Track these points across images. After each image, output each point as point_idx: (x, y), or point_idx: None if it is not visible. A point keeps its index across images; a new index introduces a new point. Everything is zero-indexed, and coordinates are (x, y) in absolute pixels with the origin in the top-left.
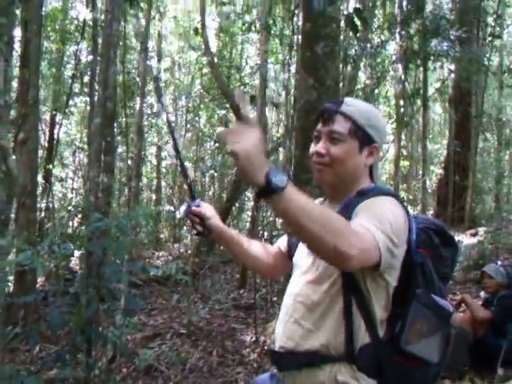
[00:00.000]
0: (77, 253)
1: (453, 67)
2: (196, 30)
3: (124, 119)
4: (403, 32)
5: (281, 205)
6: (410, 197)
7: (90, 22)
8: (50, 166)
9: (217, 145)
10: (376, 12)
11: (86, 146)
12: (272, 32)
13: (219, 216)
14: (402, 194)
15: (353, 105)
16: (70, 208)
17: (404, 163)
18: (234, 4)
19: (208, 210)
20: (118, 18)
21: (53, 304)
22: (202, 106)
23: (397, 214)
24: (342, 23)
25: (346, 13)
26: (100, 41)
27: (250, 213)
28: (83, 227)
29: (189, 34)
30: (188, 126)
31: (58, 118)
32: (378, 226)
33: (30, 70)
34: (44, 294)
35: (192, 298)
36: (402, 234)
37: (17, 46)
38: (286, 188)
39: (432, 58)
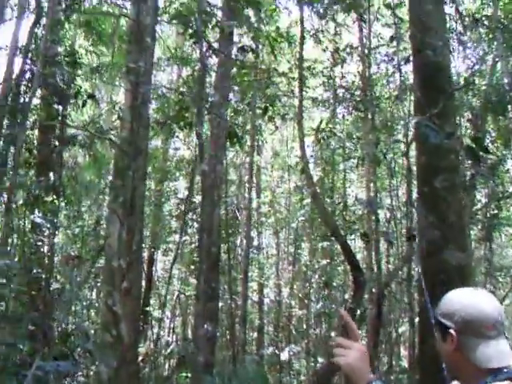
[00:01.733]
0: None
1: None
2: (296, 164)
3: (226, 255)
4: None
5: None
6: None
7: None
8: (150, 309)
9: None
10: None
11: (185, 288)
12: (381, 164)
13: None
14: None
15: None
16: (167, 352)
17: None
18: (334, 134)
19: None
20: (221, 161)
21: None
22: (304, 238)
23: None
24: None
25: (463, 142)
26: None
27: None
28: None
29: (288, 166)
30: (290, 258)
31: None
32: None
33: (135, 217)
34: None
35: None
36: None
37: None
38: None
39: None
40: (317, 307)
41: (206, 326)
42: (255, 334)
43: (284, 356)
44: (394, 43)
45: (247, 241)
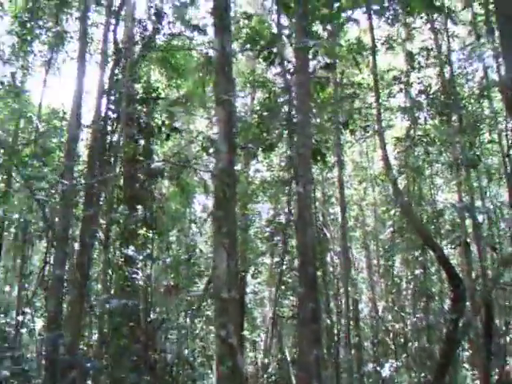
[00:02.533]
0: None
1: None
2: (379, 175)
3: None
4: None
5: None
6: None
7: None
8: (246, 332)
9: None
10: None
11: (280, 309)
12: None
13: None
14: None
15: None
16: (266, 374)
17: None
18: (420, 141)
19: None
20: (310, 180)
21: None
22: (395, 249)
23: None
24: None
25: None
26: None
27: None
28: None
29: (371, 177)
30: (381, 271)
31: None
32: None
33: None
34: None
35: None
36: None
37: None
38: None
39: None
40: (413, 319)
41: (313, 350)
42: (354, 351)
43: (385, 372)
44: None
45: (344, 258)
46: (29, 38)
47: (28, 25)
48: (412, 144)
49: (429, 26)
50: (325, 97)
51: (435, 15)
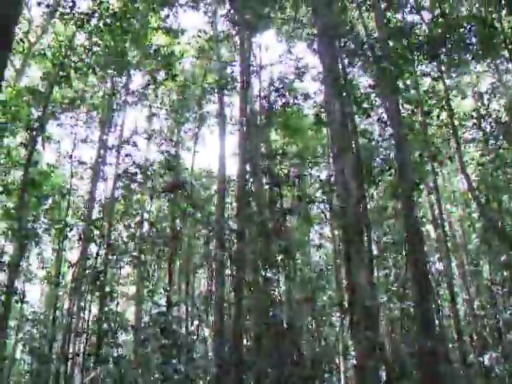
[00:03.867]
0: None
1: None
2: (462, 194)
3: None
4: None
5: None
6: None
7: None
8: None
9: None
10: None
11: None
12: None
13: None
14: None
15: None
16: None
17: None
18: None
19: None
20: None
21: None
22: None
23: None
24: None
25: None
26: None
27: None
28: None
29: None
30: (469, 277)
31: None
32: None
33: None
34: None
35: None
36: None
37: None
38: None
39: None
40: (504, 315)
41: (429, 343)
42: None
43: (486, 362)
44: None
45: (446, 266)
46: (181, 120)
47: (179, 111)
48: (490, 169)
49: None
50: (413, 136)
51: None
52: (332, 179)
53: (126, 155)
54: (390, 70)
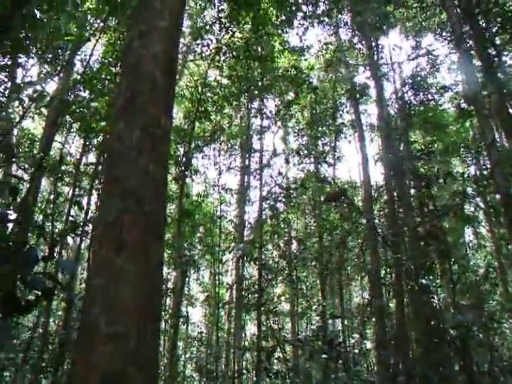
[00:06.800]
0: None
1: None
2: None
3: None
4: None
5: None
6: None
7: None
8: None
9: None
10: None
11: None
12: None
13: None
14: None
15: None
16: None
17: None
18: None
19: None
20: None
21: None
22: None
23: None
24: None
25: None
26: None
27: None
28: None
29: None
30: None
31: None
32: None
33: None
34: None
35: None
36: None
37: None
38: None
39: None
40: None
41: None
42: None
43: None
44: None
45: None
46: (318, 135)
47: (314, 126)
48: None
49: None
50: None
51: None
52: (485, 173)
53: (270, 177)
54: None
